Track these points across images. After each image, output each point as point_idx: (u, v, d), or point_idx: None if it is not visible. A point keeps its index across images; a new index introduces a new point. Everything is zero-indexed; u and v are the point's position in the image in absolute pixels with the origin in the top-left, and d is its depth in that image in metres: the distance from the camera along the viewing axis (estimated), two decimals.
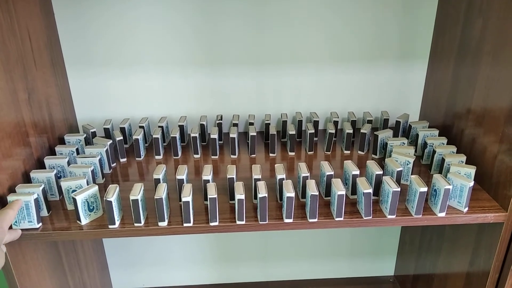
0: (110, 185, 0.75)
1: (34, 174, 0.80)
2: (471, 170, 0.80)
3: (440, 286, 1.04)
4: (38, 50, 0.89)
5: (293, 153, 1.00)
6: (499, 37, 0.78)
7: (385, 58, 1.06)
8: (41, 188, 0.75)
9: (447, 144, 0.92)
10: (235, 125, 1.04)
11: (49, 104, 0.93)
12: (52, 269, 0.91)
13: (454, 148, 0.88)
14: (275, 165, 0.82)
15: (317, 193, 0.73)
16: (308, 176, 0.79)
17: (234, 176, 0.80)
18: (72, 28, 0.98)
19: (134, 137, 0.97)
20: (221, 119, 1.05)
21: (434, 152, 0.89)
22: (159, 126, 1.02)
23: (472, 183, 0.75)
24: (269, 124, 1.04)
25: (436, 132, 0.96)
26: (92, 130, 0.99)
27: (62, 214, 0.79)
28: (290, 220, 0.76)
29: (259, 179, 0.79)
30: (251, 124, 1.04)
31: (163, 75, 1.04)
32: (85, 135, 0.97)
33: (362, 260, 1.35)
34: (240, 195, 0.73)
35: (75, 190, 0.76)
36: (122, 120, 1.04)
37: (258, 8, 0.98)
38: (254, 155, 1.00)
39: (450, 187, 0.74)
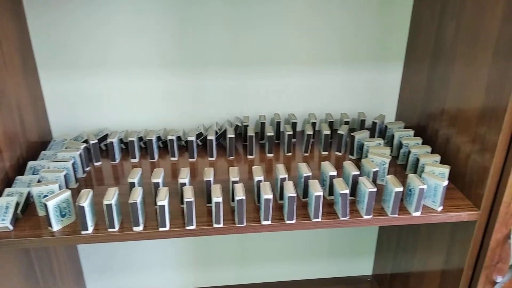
0: (82, 190, 0.73)
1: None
2: (445, 170, 0.81)
3: (417, 284, 1.05)
4: (9, 52, 0.86)
5: (271, 155, 1.00)
6: (471, 38, 0.79)
7: (361, 60, 1.07)
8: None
9: (422, 144, 0.94)
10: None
11: (20, 108, 0.90)
12: (23, 277, 0.88)
13: (429, 148, 0.90)
14: (253, 167, 0.82)
15: (295, 195, 0.73)
16: (286, 177, 0.79)
17: (212, 179, 0.79)
18: (44, 30, 0.95)
19: (109, 140, 0.95)
20: (202, 129, 1.04)
21: (409, 152, 0.90)
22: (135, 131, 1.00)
23: (446, 183, 0.77)
24: (247, 126, 1.04)
25: (412, 132, 0.97)
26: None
27: (33, 220, 0.76)
28: (268, 222, 0.75)
29: (236, 182, 0.78)
30: (230, 126, 1.04)
31: (140, 78, 1.03)
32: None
33: (340, 260, 1.36)
34: (217, 197, 0.73)
35: (46, 196, 0.74)
36: (96, 128, 1.03)
37: (236, 9, 0.98)
38: (233, 157, 0.99)
39: (425, 186, 0.75)
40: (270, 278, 1.37)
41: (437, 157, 0.87)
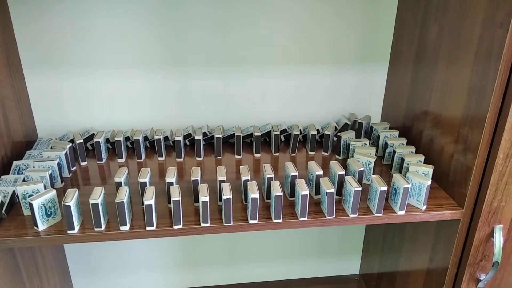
0: (68, 189, 0.73)
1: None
2: (429, 169, 0.83)
3: (403, 283, 1.07)
4: None
5: (259, 155, 1.01)
6: (454, 42, 0.81)
7: (348, 62, 1.08)
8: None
9: (407, 144, 0.95)
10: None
11: (4, 106, 0.89)
12: (8, 278, 0.87)
13: (413, 148, 0.91)
14: (240, 166, 0.82)
15: (282, 194, 0.74)
16: (272, 177, 0.79)
17: (199, 178, 0.79)
18: (29, 28, 0.94)
19: (95, 139, 0.95)
20: (190, 130, 1.04)
21: (394, 152, 0.91)
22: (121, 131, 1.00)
23: (429, 182, 0.78)
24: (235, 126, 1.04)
25: (396, 133, 0.99)
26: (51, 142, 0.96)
27: (18, 220, 0.75)
28: (255, 221, 0.76)
29: (223, 181, 0.78)
30: (218, 126, 1.04)
31: (126, 77, 1.02)
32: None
33: (328, 260, 1.37)
34: (204, 197, 0.73)
35: (31, 195, 0.74)
36: (82, 127, 1.02)
37: (223, 10, 0.98)
38: (220, 157, 1.00)
39: (409, 186, 0.76)
40: (258, 278, 1.37)
41: (421, 157, 0.88)
